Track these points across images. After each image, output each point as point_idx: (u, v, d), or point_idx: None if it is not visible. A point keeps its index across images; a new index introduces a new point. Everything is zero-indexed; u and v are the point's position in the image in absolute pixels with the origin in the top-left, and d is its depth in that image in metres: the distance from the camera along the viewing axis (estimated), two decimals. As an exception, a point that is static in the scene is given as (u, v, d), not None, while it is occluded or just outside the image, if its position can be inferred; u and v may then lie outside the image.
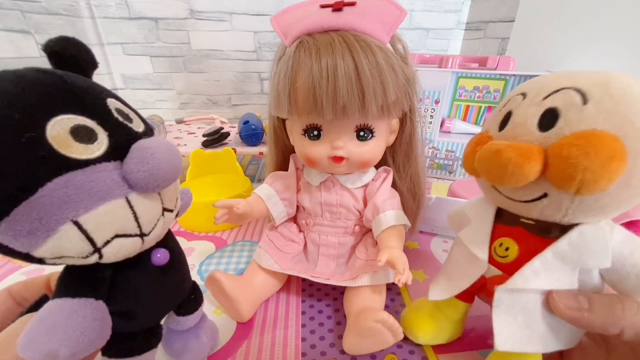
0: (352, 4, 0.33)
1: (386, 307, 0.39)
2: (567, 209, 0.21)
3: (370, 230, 0.40)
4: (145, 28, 0.91)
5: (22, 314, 0.23)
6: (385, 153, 0.40)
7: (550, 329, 0.24)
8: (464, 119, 0.74)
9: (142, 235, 0.20)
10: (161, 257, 0.23)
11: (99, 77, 0.93)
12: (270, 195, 0.41)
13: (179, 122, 0.96)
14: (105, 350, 0.23)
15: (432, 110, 0.69)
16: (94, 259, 0.18)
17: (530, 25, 0.87)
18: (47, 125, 0.16)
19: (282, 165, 0.45)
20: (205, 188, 0.61)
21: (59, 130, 0.16)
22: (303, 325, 0.38)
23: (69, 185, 0.16)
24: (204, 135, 0.73)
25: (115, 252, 0.19)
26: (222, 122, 0.95)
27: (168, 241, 0.25)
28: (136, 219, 0.19)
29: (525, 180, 0.21)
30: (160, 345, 0.28)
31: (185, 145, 0.75)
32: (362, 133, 0.35)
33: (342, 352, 0.34)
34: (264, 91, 1.04)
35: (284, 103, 0.33)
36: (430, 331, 0.33)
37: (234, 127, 0.87)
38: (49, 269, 0.21)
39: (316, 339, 0.36)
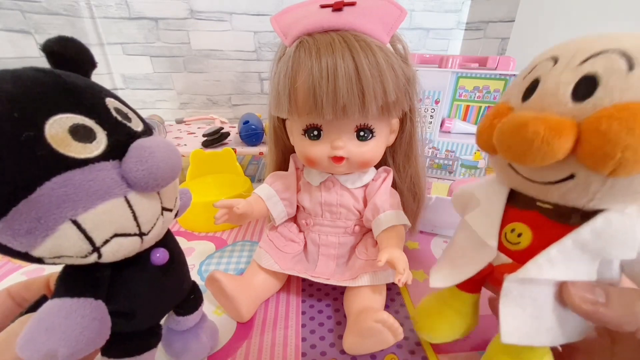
0: (352, 4, 0.33)
1: (386, 307, 0.39)
2: (596, 192, 0.19)
3: (370, 230, 0.40)
4: (145, 28, 0.91)
5: (21, 315, 0.23)
6: (385, 153, 0.40)
7: (560, 321, 0.23)
8: (464, 119, 0.74)
9: (141, 234, 0.20)
10: (160, 256, 0.23)
11: (99, 77, 0.92)
12: (270, 195, 0.41)
13: (179, 122, 0.96)
14: (104, 350, 0.23)
15: (432, 110, 0.69)
16: (93, 258, 0.18)
17: (530, 25, 0.87)
18: (46, 124, 0.16)
19: (282, 165, 0.45)
20: (205, 188, 0.61)
21: (57, 129, 0.16)
22: (303, 325, 0.38)
23: (67, 185, 0.16)
24: (204, 135, 0.73)
25: (115, 251, 0.19)
26: (222, 122, 0.95)
27: (167, 241, 0.25)
28: (135, 218, 0.19)
29: (553, 158, 0.18)
30: (160, 345, 0.28)
31: (185, 145, 0.75)
32: (362, 133, 0.35)
33: (342, 352, 0.34)
34: (264, 91, 1.04)
35: (284, 103, 0.33)
36: (443, 330, 0.32)
37: (234, 127, 0.87)
38: (49, 269, 0.21)
39: (316, 339, 0.36)
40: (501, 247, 0.25)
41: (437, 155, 0.73)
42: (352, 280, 0.37)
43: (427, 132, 0.72)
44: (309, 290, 0.43)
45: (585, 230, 0.20)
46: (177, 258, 0.26)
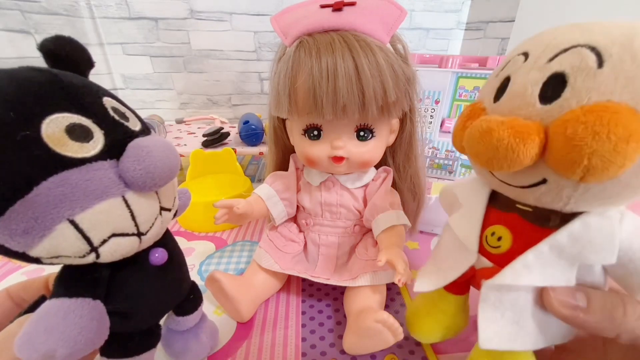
0: (352, 4, 0.33)
1: (386, 307, 0.39)
2: (569, 197, 0.18)
3: (370, 230, 0.40)
4: (145, 28, 0.91)
5: (20, 315, 0.23)
6: (385, 153, 0.40)
7: (541, 325, 0.22)
8: (464, 119, 0.74)
9: (139, 234, 0.20)
10: (159, 256, 0.23)
11: (99, 77, 0.92)
12: (270, 195, 0.41)
13: (179, 122, 0.96)
14: (103, 350, 0.23)
15: (432, 110, 0.69)
16: (91, 258, 0.18)
17: (530, 25, 0.87)
18: (42, 123, 0.16)
19: (282, 165, 0.45)
20: (205, 188, 0.61)
21: (54, 128, 0.16)
22: (303, 325, 0.38)
23: (64, 184, 0.16)
24: (204, 135, 0.73)
25: (113, 251, 0.19)
26: (222, 122, 0.95)
27: (166, 241, 0.25)
28: (133, 218, 0.19)
29: (520, 165, 0.18)
30: (160, 346, 0.28)
31: (185, 145, 0.75)
32: (362, 133, 0.35)
33: (342, 352, 0.34)
34: (264, 91, 1.04)
35: (284, 103, 0.33)
36: (431, 330, 0.32)
37: (234, 127, 0.87)
38: (49, 269, 0.21)
39: (316, 339, 0.36)
40: (482, 251, 0.24)
41: (437, 155, 0.73)
42: (352, 280, 0.37)
43: (427, 132, 0.72)
44: (309, 290, 0.43)
45: (562, 235, 0.20)
46: (176, 258, 0.26)
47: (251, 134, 0.73)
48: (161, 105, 1.03)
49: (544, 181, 0.18)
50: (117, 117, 0.19)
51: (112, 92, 0.21)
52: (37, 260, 0.18)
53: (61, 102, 0.17)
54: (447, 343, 0.34)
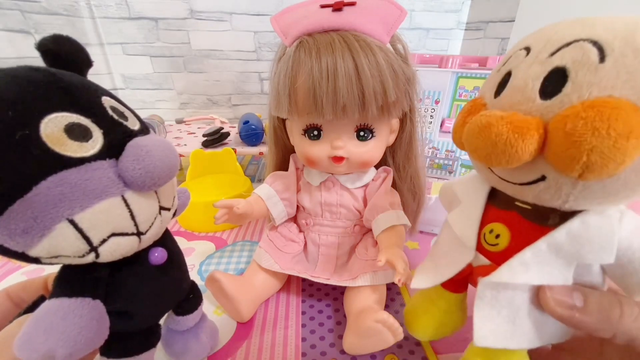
0: (352, 4, 0.33)
1: (386, 307, 0.39)
2: (568, 195, 0.18)
3: (370, 230, 0.40)
4: (145, 28, 0.91)
5: (19, 315, 0.23)
6: (385, 153, 0.40)
7: (537, 324, 0.22)
8: (464, 119, 0.74)
9: (138, 234, 0.20)
10: (159, 256, 0.23)
11: (99, 77, 0.92)
12: (270, 195, 0.41)
13: (179, 122, 0.96)
14: (103, 350, 0.23)
15: (432, 110, 0.69)
16: (90, 258, 0.18)
17: (530, 25, 0.87)
18: (41, 123, 0.16)
19: (282, 165, 0.45)
20: (205, 188, 0.61)
21: (52, 128, 0.16)
22: (303, 325, 0.38)
23: (63, 184, 0.16)
24: (204, 135, 0.73)
25: (112, 251, 0.19)
26: (222, 122, 0.95)
27: (166, 240, 0.25)
28: (132, 217, 0.19)
29: (519, 161, 0.17)
30: (160, 345, 0.28)
31: (185, 145, 0.75)
32: (362, 133, 0.35)
33: (342, 352, 0.34)
34: (264, 91, 1.04)
35: (284, 103, 0.33)
36: (428, 327, 0.32)
37: (234, 127, 0.87)
38: (49, 269, 0.21)
39: (316, 339, 0.36)
40: (480, 248, 0.24)
41: (437, 155, 0.73)
42: (352, 280, 0.37)
43: (427, 132, 0.72)
44: (309, 290, 0.43)
45: (560, 233, 0.19)
46: (176, 258, 0.26)
47: (251, 134, 0.73)
48: (161, 105, 1.03)
49: (542, 178, 0.18)
50: (116, 117, 0.19)
51: (112, 92, 0.21)
52: (36, 260, 0.18)
53: (60, 102, 0.17)
54: (447, 343, 0.34)
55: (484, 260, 0.24)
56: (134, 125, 0.20)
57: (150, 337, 0.26)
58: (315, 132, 0.35)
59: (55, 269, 0.20)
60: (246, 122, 0.73)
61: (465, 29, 1.07)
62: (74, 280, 0.20)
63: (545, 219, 0.21)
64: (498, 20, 0.97)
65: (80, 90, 0.18)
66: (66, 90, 0.18)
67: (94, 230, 0.17)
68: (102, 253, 0.18)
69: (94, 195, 0.17)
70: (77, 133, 0.17)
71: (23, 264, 0.46)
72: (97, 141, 0.18)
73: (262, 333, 0.37)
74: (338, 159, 0.35)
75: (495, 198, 0.24)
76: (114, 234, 0.18)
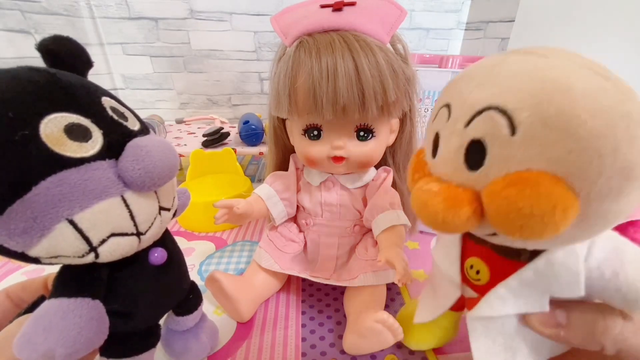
0: (352, 4, 0.33)
1: (386, 307, 0.39)
2: (525, 244, 0.18)
3: (370, 230, 0.40)
4: (145, 28, 0.91)
5: (19, 315, 0.23)
6: (385, 153, 0.40)
7: (534, 345, 0.22)
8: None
9: (138, 234, 0.20)
10: (158, 256, 0.23)
11: (99, 77, 0.92)
12: (270, 195, 0.41)
13: (179, 122, 0.96)
14: (103, 350, 0.23)
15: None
16: (90, 258, 0.18)
17: (530, 25, 0.87)
18: (41, 123, 0.16)
19: (282, 165, 0.45)
20: (205, 188, 0.61)
21: (52, 128, 0.16)
22: (303, 325, 0.38)
23: (63, 184, 0.16)
24: (204, 135, 0.73)
25: (112, 251, 0.19)
26: (222, 122, 0.95)
27: (165, 240, 0.25)
28: (132, 217, 0.19)
29: (459, 231, 0.18)
30: (160, 346, 0.28)
31: (185, 145, 0.75)
32: (362, 133, 0.35)
33: (342, 352, 0.34)
34: (264, 91, 1.04)
35: (284, 103, 0.33)
36: (422, 339, 0.33)
37: (234, 127, 0.87)
38: (49, 269, 0.21)
39: (316, 339, 0.36)
40: (466, 281, 0.24)
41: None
42: (352, 280, 0.37)
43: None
44: (309, 290, 0.43)
45: (528, 271, 0.20)
46: (176, 258, 0.26)
47: (251, 134, 0.73)
48: (161, 105, 1.03)
49: (495, 233, 0.18)
50: (115, 117, 0.19)
51: (112, 92, 0.21)
52: (36, 260, 0.18)
53: (60, 102, 0.17)
54: (447, 343, 0.34)
55: (472, 293, 0.24)
56: (134, 125, 0.20)
57: (150, 337, 0.26)
58: (315, 132, 0.35)
59: (55, 269, 0.20)
60: (246, 122, 0.73)
61: (465, 29, 1.07)
62: (74, 280, 0.20)
63: (517, 254, 0.21)
64: (498, 20, 0.97)
65: (80, 91, 0.18)
66: (66, 91, 0.18)
67: (94, 230, 0.18)
68: (102, 253, 0.19)
69: (94, 195, 0.17)
70: (76, 133, 0.17)
71: (23, 264, 0.46)
72: (96, 141, 0.18)
73: (262, 333, 0.37)
74: (338, 159, 0.35)
75: (469, 233, 0.25)
76: (113, 234, 0.18)
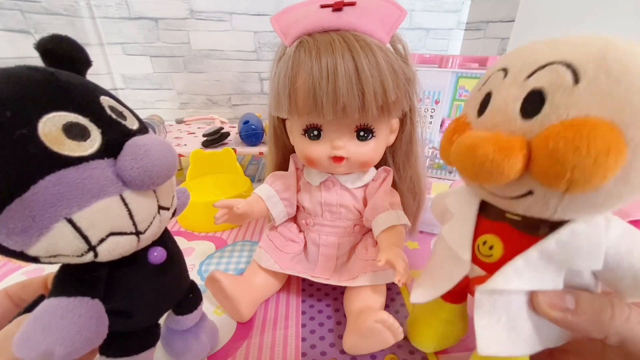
0: (352, 4, 0.33)
1: (386, 307, 0.39)
2: (556, 206, 0.18)
3: (371, 230, 0.40)
4: (145, 28, 0.91)
5: (19, 315, 0.23)
6: (385, 153, 0.40)
7: (536, 329, 0.22)
8: (464, 119, 0.74)
9: (137, 233, 0.20)
10: (158, 255, 0.23)
11: (99, 77, 0.92)
12: (270, 195, 0.41)
13: (179, 122, 0.96)
14: (102, 349, 0.23)
15: (432, 110, 0.69)
16: (89, 257, 0.18)
17: (530, 25, 0.87)
18: (39, 122, 0.16)
19: (282, 165, 0.45)
20: (205, 188, 0.61)
21: (51, 127, 0.16)
22: (303, 325, 0.38)
23: (61, 183, 0.16)
24: (204, 135, 0.73)
25: (111, 250, 0.19)
26: (222, 122, 0.95)
27: (165, 240, 0.25)
28: (131, 216, 0.19)
29: (506, 179, 0.18)
30: (160, 345, 0.28)
31: (185, 145, 0.75)
32: (362, 133, 0.35)
33: (342, 352, 0.34)
34: (264, 91, 1.04)
35: (284, 103, 0.33)
36: (430, 339, 0.32)
37: (234, 127, 0.87)
38: (49, 269, 0.21)
39: (316, 339, 0.36)
40: (475, 260, 0.25)
41: (437, 155, 0.73)
42: (352, 280, 0.37)
43: (427, 132, 0.72)
44: (309, 290, 0.43)
45: (550, 242, 0.20)
46: (175, 257, 0.26)
47: (251, 134, 0.73)
48: (161, 105, 1.03)
49: (530, 192, 0.19)
50: (114, 116, 0.19)
51: (112, 92, 0.21)
52: (35, 260, 0.18)
53: (58, 101, 0.17)
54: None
55: (479, 271, 0.24)
56: (133, 124, 0.20)
57: (149, 337, 0.26)
58: (315, 132, 0.35)
59: (54, 269, 0.20)
60: (246, 122, 0.73)
61: (465, 29, 1.07)
62: (73, 280, 0.20)
63: (536, 229, 0.21)
64: (498, 20, 0.97)
65: (78, 90, 0.18)
66: (64, 90, 0.18)
67: (93, 229, 0.17)
68: (101, 252, 0.18)
69: (92, 194, 0.17)
70: (75, 132, 0.17)
71: (23, 263, 0.46)
72: (95, 140, 0.18)
73: (262, 333, 0.37)
74: (338, 159, 0.35)
75: (485, 210, 0.25)
76: (112, 233, 0.18)
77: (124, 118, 0.20)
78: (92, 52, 0.21)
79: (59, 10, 0.81)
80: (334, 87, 0.30)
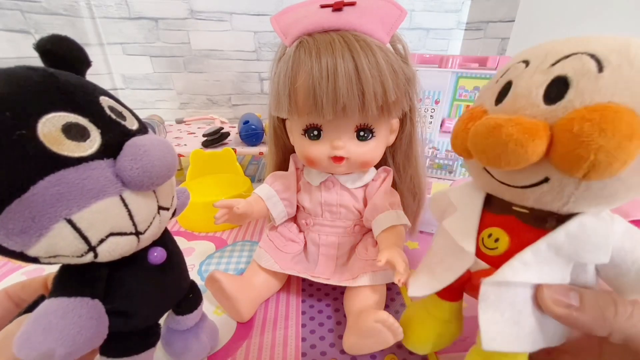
0: (352, 4, 0.33)
1: (386, 307, 0.39)
2: (570, 195, 0.19)
3: (371, 230, 0.40)
4: (145, 28, 0.91)
5: (19, 315, 0.23)
6: (385, 153, 0.40)
7: (539, 326, 0.22)
8: (465, 119, 0.74)
9: (137, 233, 0.20)
10: (158, 255, 0.23)
11: (99, 77, 0.93)
12: (270, 195, 0.41)
13: (179, 122, 0.96)
14: (103, 349, 0.23)
15: (432, 110, 0.69)
16: (89, 257, 0.18)
17: (530, 25, 0.87)
18: (39, 123, 0.16)
19: (282, 165, 0.45)
20: (205, 188, 0.61)
21: (50, 127, 0.16)
22: (303, 325, 0.38)
23: (61, 183, 0.16)
24: (204, 135, 0.73)
25: (111, 250, 0.19)
26: (222, 122, 0.95)
27: (165, 240, 0.25)
28: (131, 217, 0.19)
29: (527, 161, 0.18)
30: (160, 345, 0.28)
31: (185, 145, 0.75)
32: (362, 133, 0.35)
33: (342, 352, 0.34)
34: (264, 91, 1.04)
35: (284, 103, 0.33)
36: (425, 339, 0.31)
37: (234, 127, 0.87)
38: (49, 269, 0.21)
39: (316, 339, 0.36)
40: (479, 253, 0.24)
41: (437, 155, 0.73)
42: (352, 280, 0.37)
43: (427, 132, 0.72)
44: (309, 290, 0.43)
45: (559, 234, 0.20)
46: (175, 257, 0.26)
47: (251, 134, 0.73)
48: (161, 105, 1.03)
49: (545, 180, 0.19)
50: (113, 116, 0.19)
51: (112, 92, 0.21)
52: (35, 260, 0.18)
53: (57, 101, 0.17)
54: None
55: (482, 265, 0.24)
56: (132, 125, 0.20)
57: (149, 337, 0.26)
58: (315, 132, 0.35)
59: (54, 269, 0.20)
60: (246, 122, 0.73)
61: (465, 29, 1.07)
62: (73, 280, 0.20)
63: (543, 222, 0.21)
64: (498, 20, 0.97)
65: (78, 90, 0.18)
66: (64, 90, 0.18)
67: (92, 229, 0.17)
68: (101, 253, 0.18)
69: (92, 194, 0.17)
70: (74, 133, 0.17)
71: (23, 264, 0.46)
72: (94, 141, 0.18)
73: (262, 333, 0.37)
74: (338, 159, 0.35)
75: (490, 204, 0.25)
76: (112, 234, 0.18)
77: (124, 118, 0.20)
78: (92, 52, 0.21)
79: (59, 10, 0.81)
80: (334, 87, 0.30)
